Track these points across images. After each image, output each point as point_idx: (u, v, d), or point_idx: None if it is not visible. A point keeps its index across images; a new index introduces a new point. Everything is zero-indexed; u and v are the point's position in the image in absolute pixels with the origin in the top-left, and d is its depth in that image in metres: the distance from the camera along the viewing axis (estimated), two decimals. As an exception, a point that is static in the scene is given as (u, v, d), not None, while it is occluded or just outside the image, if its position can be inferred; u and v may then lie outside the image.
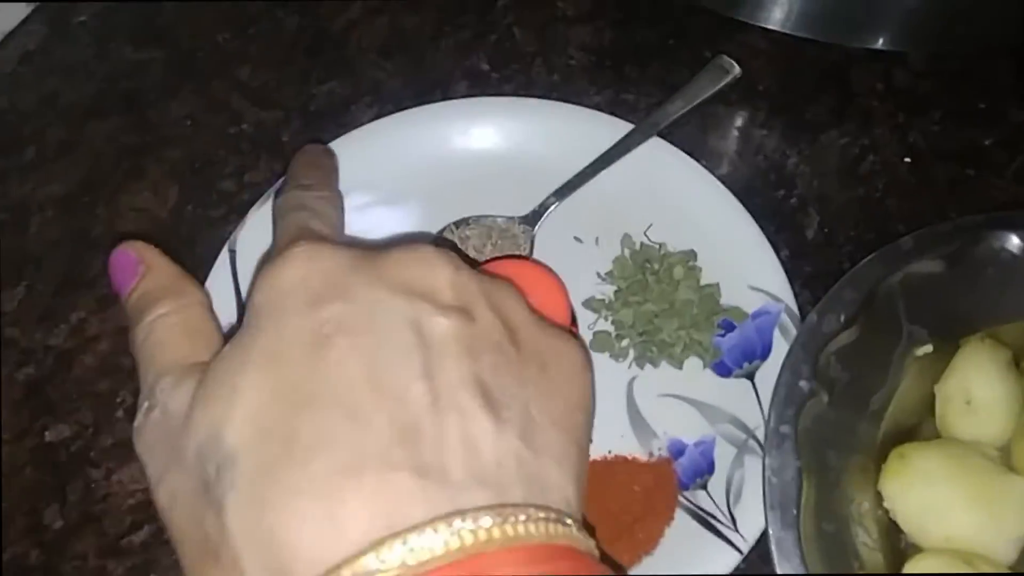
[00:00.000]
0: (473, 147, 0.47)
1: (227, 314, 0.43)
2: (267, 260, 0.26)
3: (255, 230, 0.44)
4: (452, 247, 0.34)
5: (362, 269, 0.25)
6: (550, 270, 0.36)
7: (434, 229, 0.45)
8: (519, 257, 0.44)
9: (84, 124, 0.50)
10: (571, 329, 0.36)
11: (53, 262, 0.46)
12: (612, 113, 0.48)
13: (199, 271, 0.44)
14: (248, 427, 0.22)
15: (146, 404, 0.26)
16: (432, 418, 0.22)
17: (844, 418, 0.39)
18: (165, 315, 0.28)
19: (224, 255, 0.44)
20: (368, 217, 0.46)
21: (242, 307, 0.42)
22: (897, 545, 0.37)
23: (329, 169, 0.37)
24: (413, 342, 0.23)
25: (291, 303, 0.24)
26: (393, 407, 0.22)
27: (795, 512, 0.35)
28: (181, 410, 0.24)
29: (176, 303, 0.28)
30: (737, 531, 0.38)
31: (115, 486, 0.41)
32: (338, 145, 0.47)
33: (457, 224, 0.45)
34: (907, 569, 0.35)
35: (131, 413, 0.42)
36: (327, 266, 0.25)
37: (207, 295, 0.30)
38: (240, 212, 0.46)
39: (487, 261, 0.38)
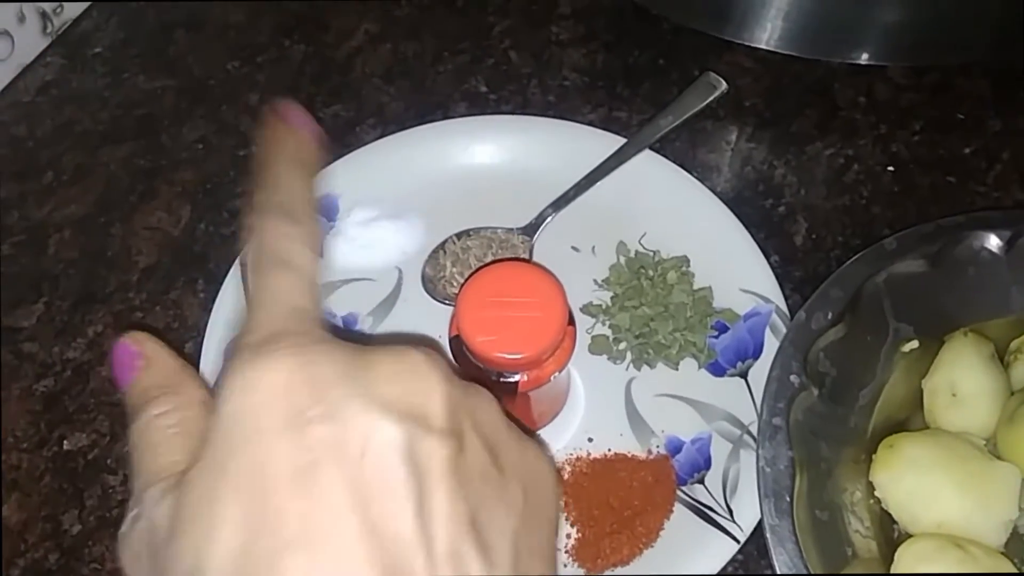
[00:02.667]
0: (473, 162, 0.50)
1: (238, 325, 0.44)
2: (240, 345, 0.23)
3: (265, 244, 0.46)
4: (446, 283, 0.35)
5: (350, 380, 0.23)
6: (549, 272, 0.38)
7: (437, 241, 0.47)
8: (518, 259, 0.45)
9: (99, 149, 0.53)
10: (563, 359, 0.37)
11: (70, 280, 0.48)
12: (605, 129, 0.50)
13: (212, 285, 0.46)
14: (229, 566, 0.21)
15: (134, 511, 0.25)
16: (425, 563, 0.22)
17: (835, 411, 0.40)
18: (161, 415, 0.27)
19: (235, 269, 0.45)
20: (373, 231, 0.47)
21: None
22: (889, 534, 0.39)
23: (313, 167, 0.31)
24: (405, 473, 0.22)
25: (271, 421, 0.22)
26: (384, 551, 0.21)
27: (789, 500, 0.37)
28: (165, 526, 0.23)
29: (173, 402, 0.27)
30: (734, 521, 0.39)
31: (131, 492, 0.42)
32: (344, 163, 0.49)
33: (459, 235, 0.47)
34: (900, 553, 0.36)
35: (146, 421, 0.44)
36: (312, 375, 0.23)
37: (207, 390, 0.28)
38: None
39: (490, 263, 0.40)
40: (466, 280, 0.37)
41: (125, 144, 0.53)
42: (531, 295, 0.37)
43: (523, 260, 0.45)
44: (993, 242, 0.43)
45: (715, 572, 0.38)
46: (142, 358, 0.28)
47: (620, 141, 0.49)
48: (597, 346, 0.45)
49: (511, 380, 0.37)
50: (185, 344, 0.46)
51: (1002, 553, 0.37)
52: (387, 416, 0.22)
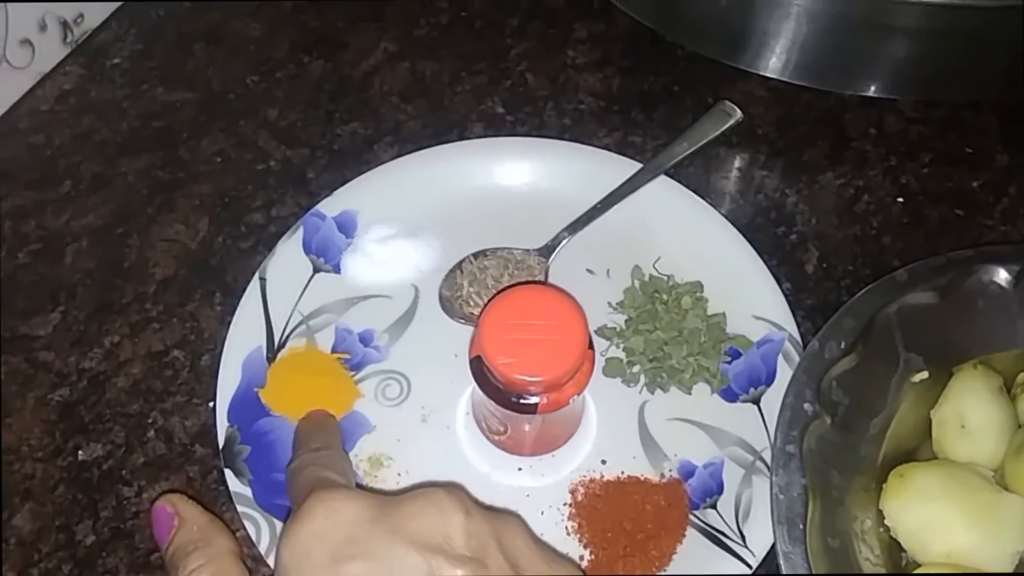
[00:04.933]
0: (490, 183, 0.50)
1: (257, 338, 0.45)
2: (289, 518, 0.29)
3: (284, 259, 0.47)
4: (477, 369, 0.38)
5: (379, 521, 0.28)
6: (570, 296, 0.38)
7: (454, 260, 0.48)
8: (539, 283, 0.46)
9: (117, 160, 0.53)
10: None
11: (87, 289, 0.48)
12: (620, 154, 0.51)
13: (229, 298, 0.47)
14: None
15: None
16: None
17: (846, 440, 0.41)
18: (197, 570, 0.33)
19: (255, 282, 0.46)
20: (390, 248, 0.48)
21: (271, 331, 0.45)
22: (898, 562, 0.39)
23: (332, 429, 0.41)
24: None
25: (313, 560, 0.27)
26: None
27: (802, 528, 0.37)
28: None
29: (207, 555, 0.33)
30: (746, 547, 0.39)
31: (146, 503, 0.42)
32: (362, 181, 0.49)
33: (476, 256, 0.48)
34: (909, 582, 0.37)
35: (162, 433, 0.44)
36: (346, 519, 0.28)
37: (237, 543, 0.35)
38: (268, 244, 0.49)
39: (508, 287, 0.41)
40: (488, 302, 0.38)
41: (143, 155, 0.53)
42: (552, 318, 0.37)
43: (544, 283, 0.46)
44: (1002, 276, 0.44)
45: (728, 597, 0.38)
46: (176, 517, 0.35)
47: (636, 166, 0.50)
48: (611, 369, 0.45)
49: (530, 402, 0.38)
50: (202, 356, 0.46)
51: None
52: (412, 548, 0.27)
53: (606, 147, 0.52)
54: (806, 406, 0.40)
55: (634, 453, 0.43)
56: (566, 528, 0.41)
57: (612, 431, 0.44)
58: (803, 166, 0.53)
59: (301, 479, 0.34)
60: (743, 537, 0.40)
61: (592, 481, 0.42)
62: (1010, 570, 0.38)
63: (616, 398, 0.45)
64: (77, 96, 0.56)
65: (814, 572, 0.36)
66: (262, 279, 0.46)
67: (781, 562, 0.36)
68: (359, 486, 0.42)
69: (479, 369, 0.38)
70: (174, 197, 0.52)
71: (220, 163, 0.53)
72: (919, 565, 0.38)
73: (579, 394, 0.38)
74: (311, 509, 0.28)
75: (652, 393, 0.45)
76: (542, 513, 0.42)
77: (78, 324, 0.47)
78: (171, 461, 0.43)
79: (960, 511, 0.38)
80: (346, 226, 0.48)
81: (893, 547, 0.39)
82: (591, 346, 0.39)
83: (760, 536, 0.39)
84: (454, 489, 0.29)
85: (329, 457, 0.37)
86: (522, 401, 0.38)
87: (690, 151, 0.50)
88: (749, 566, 0.39)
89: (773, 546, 0.38)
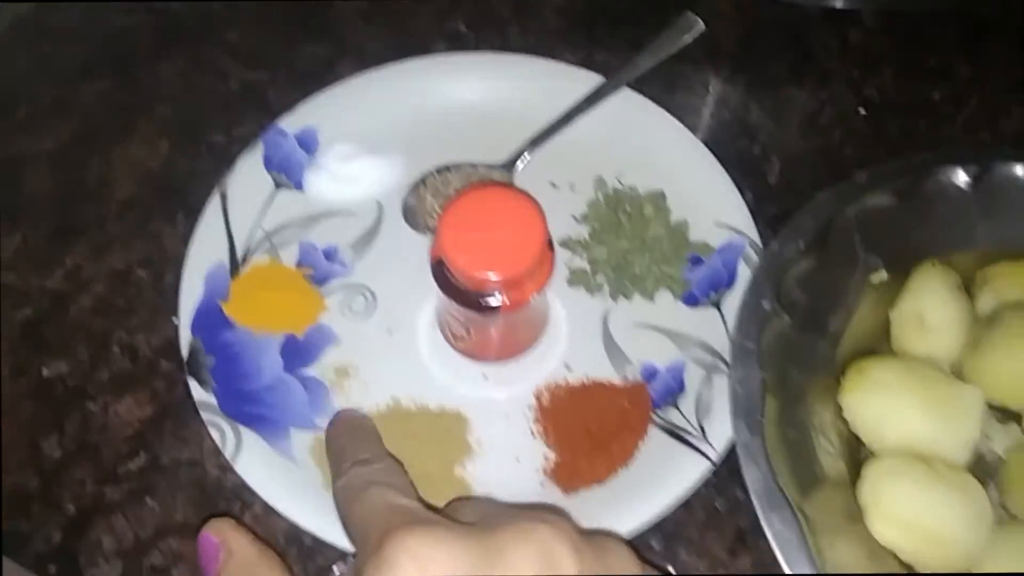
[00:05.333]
0: (454, 99, 0.50)
1: (219, 253, 0.45)
2: (361, 567, 0.25)
3: (245, 175, 0.46)
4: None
5: (480, 567, 0.24)
6: (528, 195, 0.38)
7: (417, 176, 0.48)
8: (496, 183, 0.46)
9: (76, 84, 0.52)
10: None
11: (48, 211, 0.48)
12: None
13: (191, 218, 0.46)
14: None
15: None
16: None
17: (804, 338, 0.41)
18: None
19: (216, 198, 0.45)
20: (352, 165, 0.48)
21: (233, 246, 0.44)
22: (857, 456, 0.40)
23: (375, 434, 0.37)
24: None
25: None
26: None
27: (759, 419, 0.38)
28: None
29: None
30: (707, 440, 0.40)
31: (112, 417, 0.42)
32: (324, 98, 0.49)
33: (439, 170, 0.48)
34: (867, 470, 0.37)
35: (126, 349, 0.44)
36: (441, 568, 0.24)
37: (288, 572, 0.32)
38: (229, 164, 0.48)
39: (471, 186, 0.40)
40: (446, 204, 0.38)
41: (103, 79, 0.52)
42: (511, 217, 0.37)
43: (501, 183, 0.46)
44: (961, 178, 0.44)
45: (688, 488, 0.39)
46: (224, 549, 0.31)
47: (599, 79, 0.49)
48: (575, 279, 0.46)
49: (492, 303, 0.38)
50: (165, 275, 0.46)
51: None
52: None
53: (570, 64, 0.52)
54: (764, 304, 0.40)
55: (598, 359, 0.44)
56: (531, 430, 0.42)
57: (577, 339, 0.44)
58: (767, 80, 0.53)
59: (366, 505, 0.29)
60: (703, 432, 0.40)
61: (557, 386, 0.43)
62: (966, 458, 0.38)
63: (581, 307, 0.45)
64: (33, 22, 0.55)
65: (771, 462, 0.37)
66: (223, 194, 0.46)
67: (740, 452, 0.37)
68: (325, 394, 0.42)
69: (440, 272, 0.38)
70: (134, 119, 0.51)
71: (180, 85, 0.52)
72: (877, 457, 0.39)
73: (540, 292, 0.38)
74: (395, 561, 0.24)
75: (616, 301, 0.45)
76: (507, 417, 0.42)
77: (39, 246, 0.47)
78: (136, 376, 0.43)
79: (917, 402, 0.38)
80: (307, 143, 0.48)
81: (852, 441, 0.40)
82: (551, 246, 0.39)
83: (720, 431, 0.40)
84: (556, 521, 0.26)
85: (387, 473, 0.32)
86: (483, 301, 0.38)
87: (653, 63, 0.50)
88: (710, 459, 0.39)
89: (734, 440, 0.38)
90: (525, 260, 0.36)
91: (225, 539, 0.32)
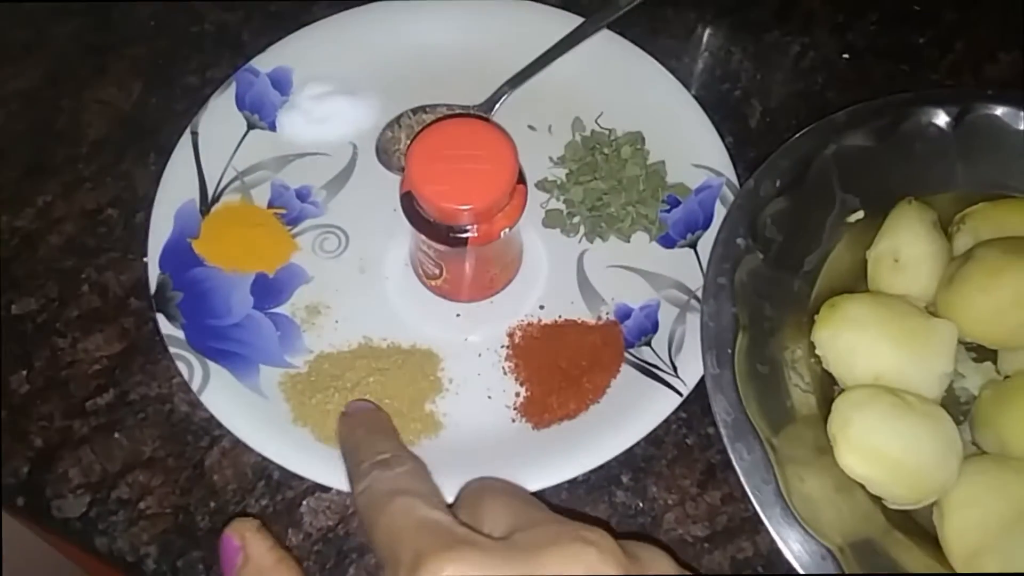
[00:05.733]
0: (431, 40, 0.49)
1: (189, 191, 0.44)
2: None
3: (217, 114, 0.46)
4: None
5: None
6: (499, 127, 0.38)
7: (392, 116, 0.47)
8: (468, 115, 0.45)
9: (47, 25, 0.51)
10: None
11: (18, 151, 0.47)
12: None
13: (163, 159, 0.46)
14: None
15: None
16: None
17: (779, 276, 0.41)
18: None
19: (187, 136, 0.45)
20: (327, 106, 0.47)
21: (204, 184, 0.44)
22: (829, 393, 0.39)
23: (392, 430, 0.36)
24: None
25: None
26: None
27: (730, 353, 0.37)
28: None
29: None
30: (678, 376, 0.40)
31: (80, 354, 0.42)
32: (297, 37, 0.48)
33: (414, 111, 0.47)
34: (836, 402, 0.37)
35: (96, 287, 0.44)
36: None
37: None
38: (202, 105, 0.47)
39: (441, 117, 0.40)
40: (416, 134, 0.37)
41: (74, 19, 0.52)
42: (481, 148, 0.37)
43: (473, 115, 0.45)
44: (941, 118, 0.44)
45: (658, 422, 0.39)
46: (241, 554, 0.31)
47: (578, 20, 0.49)
48: (551, 220, 0.45)
49: (462, 235, 0.37)
50: (136, 214, 0.45)
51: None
52: None
53: (551, 6, 0.51)
54: (739, 241, 0.40)
55: (573, 299, 0.43)
56: (503, 368, 0.41)
57: (551, 279, 0.44)
58: (750, 24, 0.52)
59: (393, 519, 0.28)
60: (675, 368, 0.40)
61: (530, 325, 0.42)
62: (938, 392, 0.38)
63: (556, 248, 0.45)
64: (4, -37, 0.54)
65: (741, 393, 0.36)
66: (194, 133, 0.45)
67: (709, 385, 0.37)
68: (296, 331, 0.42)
69: (410, 205, 0.38)
70: (107, 60, 0.50)
71: (153, 26, 0.51)
72: (848, 392, 0.39)
73: (511, 228, 0.38)
74: None
75: (592, 242, 0.45)
76: (479, 355, 0.42)
77: (10, 185, 0.46)
78: (106, 314, 0.43)
79: (888, 336, 0.38)
80: (281, 83, 0.47)
81: (824, 378, 0.39)
82: (523, 181, 0.38)
83: (692, 367, 0.40)
84: (603, 544, 0.25)
85: (412, 478, 0.30)
86: (454, 234, 0.37)
87: (633, 4, 0.49)
88: (680, 394, 0.39)
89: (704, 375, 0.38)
90: (494, 192, 0.36)
91: (245, 543, 0.32)
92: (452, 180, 0.36)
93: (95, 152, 0.47)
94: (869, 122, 0.43)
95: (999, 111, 0.44)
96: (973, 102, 0.44)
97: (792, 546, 0.34)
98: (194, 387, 0.39)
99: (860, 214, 0.42)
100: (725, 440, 0.35)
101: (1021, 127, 0.43)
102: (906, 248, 0.41)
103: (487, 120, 0.39)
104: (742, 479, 0.35)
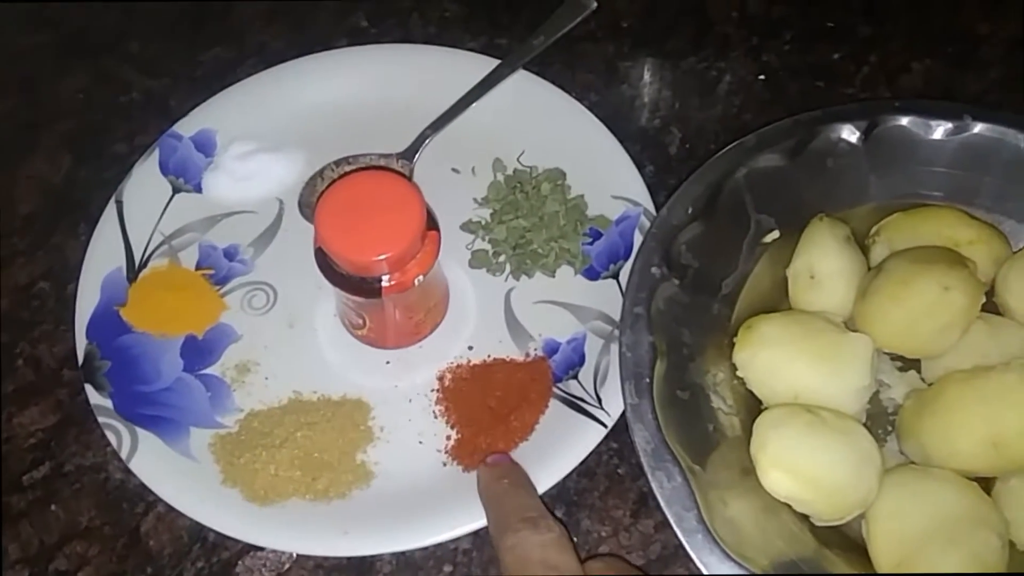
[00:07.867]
0: (352, 93, 0.50)
1: (116, 259, 0.45)
2: None
3: (141, 181, 0.47)
4: None
5: None
6: (404, 177, 0.38)
7: (315, 169, 0.48)
8: (373, 168, 0.46)
9: (-21, 106, 0.52)
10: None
11: (-49, 231, 0.48)
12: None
13: (92, 228, 0.46)
14: None
15: None
16: None
17: (697, 301, 0.41)
18: None
19: (112, 205, 0.46)
20: (251, 164, 0.48)
21: (130, 252, 0.44)
22: (754, 412, 0.40)
23: (533, 487, 0.38)
24: None
25: None
26: None
27: (648, 381, 0.38)
28: None
29: None
30: (602, 408, 0.40)
31: (16, 428, 0.42)
32: (219, 99, 0.49)
33: (337, 163, 0.48)
34: (756, 423, 0.37)
35: (30, 361, 0.44)
36: None
37: None
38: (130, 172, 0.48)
39: (344, 175, 0.41)
40: (322, 191, 0.38)
41: (6, 99, 0.53)
42: (387, 199, 0.38)
43: (379, 168, 0.46)
44: (851, 133, 0.44)
45: (584, 456, 0.39)
46: None
47: (495, 63, 0.50)
48: (477, 260, 0.46)
49: (376, 286, 0.38)
50: (68, 286, 0.46)
51: (865, 424, 0.38)
52: None
53: (472, 51, 0.52)
54: (653, 270, 0.40)
55: (501, 338, 0.44)
56: (433, 412, 0.42)
57: (480, 319, 0.44)
58: (666, 53, 0.53)
59: None
60: (599, 400, 0.40)
61: (459, 367, 0.43)
62: (859, 406, 0.38)
63: (483, 288, 0.45)
64: (-64, 47, 0.55)
65: (660, 421, 0.37)
66: (118, 202, 0.46)
67: (628, 415, 0.37)
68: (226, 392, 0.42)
69: (323, 260, 0.39)
70: (37, 136, 0.51)
71: (82, 99, 0.52)
72: (772, 412, 0.39)
73: (424, 275, 0.38)
74: None
75: (518, 280, 0.45)
76: (410, 401, 0.42)
77: (-56, 265, 0.47)
78: (40, 386, 0.43)
79: (804, 353, 0.38)
80: (204, 145, 0.48)
81: (748, 398, 0.40)
82: (436, 228, 0.39)
83: (616, 398, 0.40)
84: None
85: (559, 548, 0.33)
86: (368, 285, 0.38)
87: (547, 44, 0.50)
88: (605, 426, 0.39)
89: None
90: (402, 241, 0.37)
91: None
92: (360, 232, 0.37)
93: (26, 226, 0.48)
94: (779, 142, 0.44)
95: (906, 121, 0.44)
96: (881, 115, 0.44)
97: (717, 572, 0.34)
98: (123, 455, 0.39)
99: (776, 234, 0.43)
100: (646, 469, 0.36)
101: (929, 136, 0.44)
102: (819, 264, 0.41)
103: (393, 171, 0.39)
104: (663, 507, 0.35)
